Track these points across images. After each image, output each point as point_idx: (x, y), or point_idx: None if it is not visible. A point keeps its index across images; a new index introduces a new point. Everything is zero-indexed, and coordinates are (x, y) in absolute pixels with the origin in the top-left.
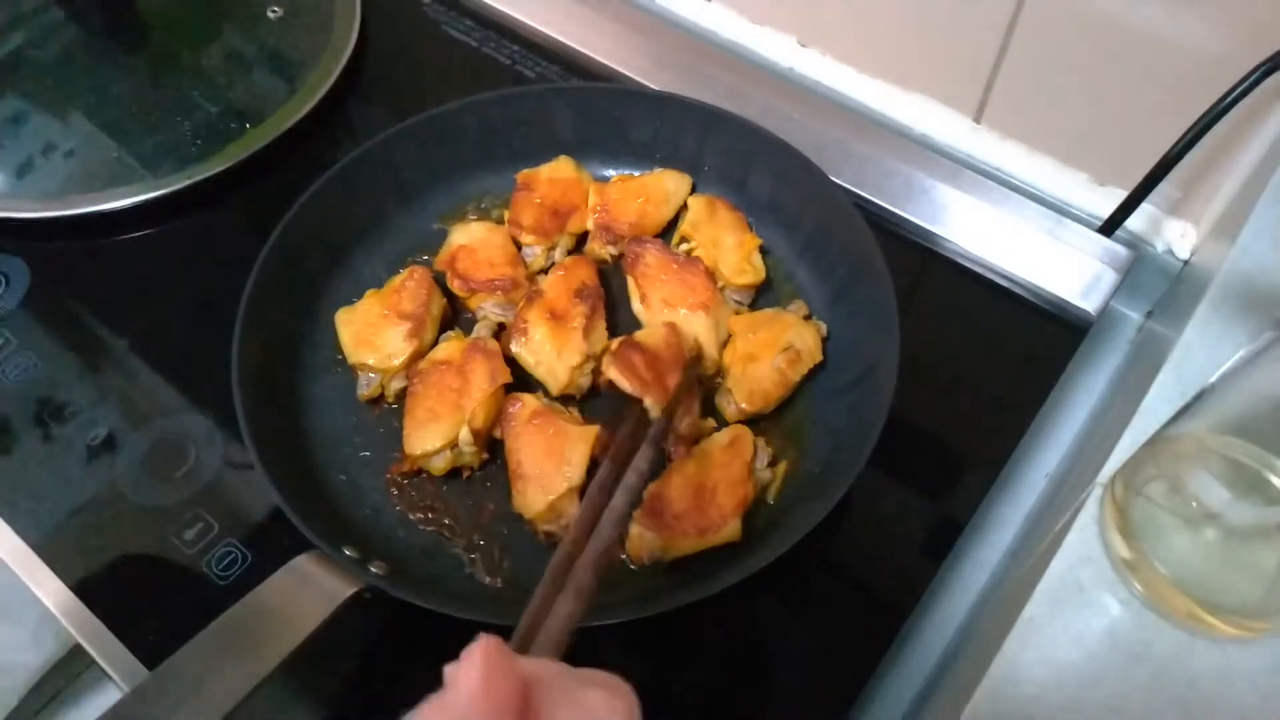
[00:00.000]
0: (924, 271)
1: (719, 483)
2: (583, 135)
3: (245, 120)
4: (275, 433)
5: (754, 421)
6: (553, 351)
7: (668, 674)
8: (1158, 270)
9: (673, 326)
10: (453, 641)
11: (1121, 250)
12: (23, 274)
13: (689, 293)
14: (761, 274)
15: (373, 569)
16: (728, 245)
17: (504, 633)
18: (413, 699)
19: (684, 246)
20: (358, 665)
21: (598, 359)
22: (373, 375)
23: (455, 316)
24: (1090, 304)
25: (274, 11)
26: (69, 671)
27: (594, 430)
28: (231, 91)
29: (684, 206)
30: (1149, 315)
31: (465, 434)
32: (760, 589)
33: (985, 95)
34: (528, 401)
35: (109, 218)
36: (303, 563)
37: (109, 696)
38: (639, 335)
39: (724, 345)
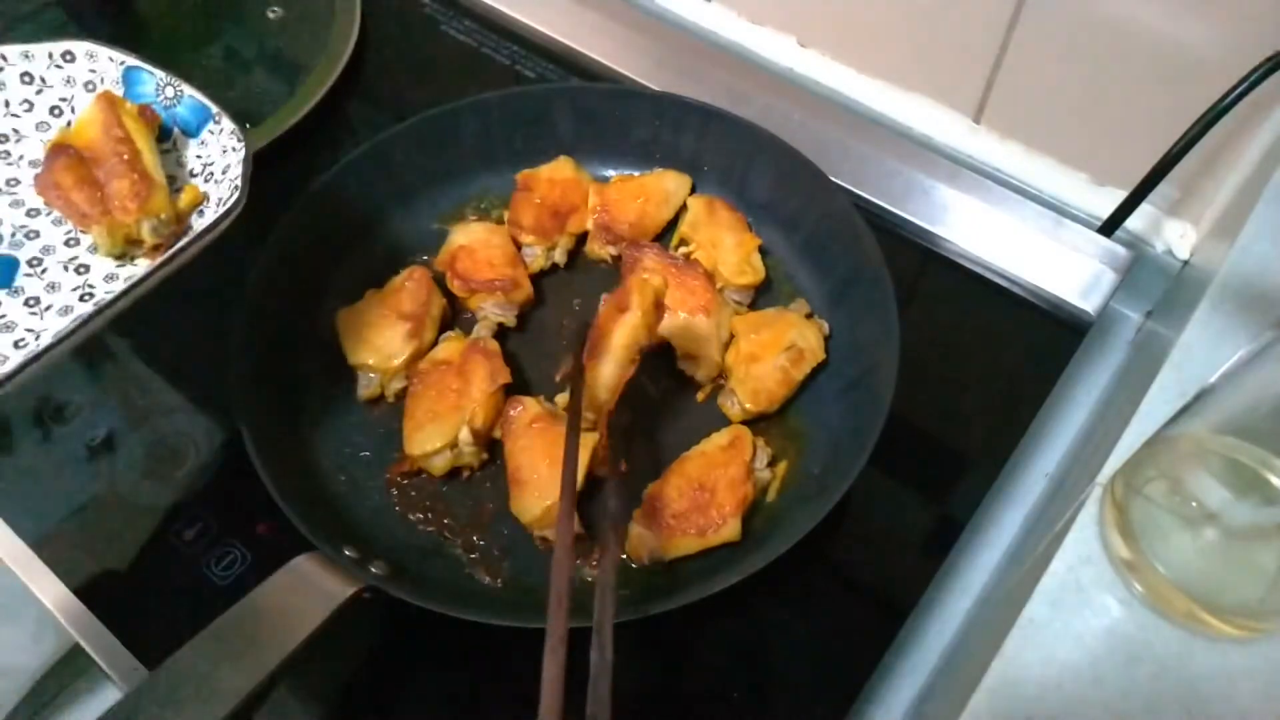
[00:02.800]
0: (924, 271)
1: (718, 483)
2: (583, 135)
3: (245, 121)
4: (275, 433)
5: (754, 421)
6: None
7: (668, 674)
8: (1157, 270)
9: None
10: (452, 641)
11: (1121, 250)
12: None
13: (689, 296)
14: (761, 274)
15: (373, 569)
16: (727, 246)
17: (503, 633)
18: (413, 699)
19: (683, 249)
20: (358, 665)
21: None
22: (373, 375)
23: (455, 316)
24: (1090, 304)
25: (274, 12)
26: (69, 671)
27: (594, 437)
28: (231, 92)
29: (683, 207)
30: (1149, 315)
31: (465, 434)
32: (760, 589)
33: (985, 95)
34: (528, 405)
35: None
36: (303, 563)
37: (109, 696)
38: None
39: (726, 347)
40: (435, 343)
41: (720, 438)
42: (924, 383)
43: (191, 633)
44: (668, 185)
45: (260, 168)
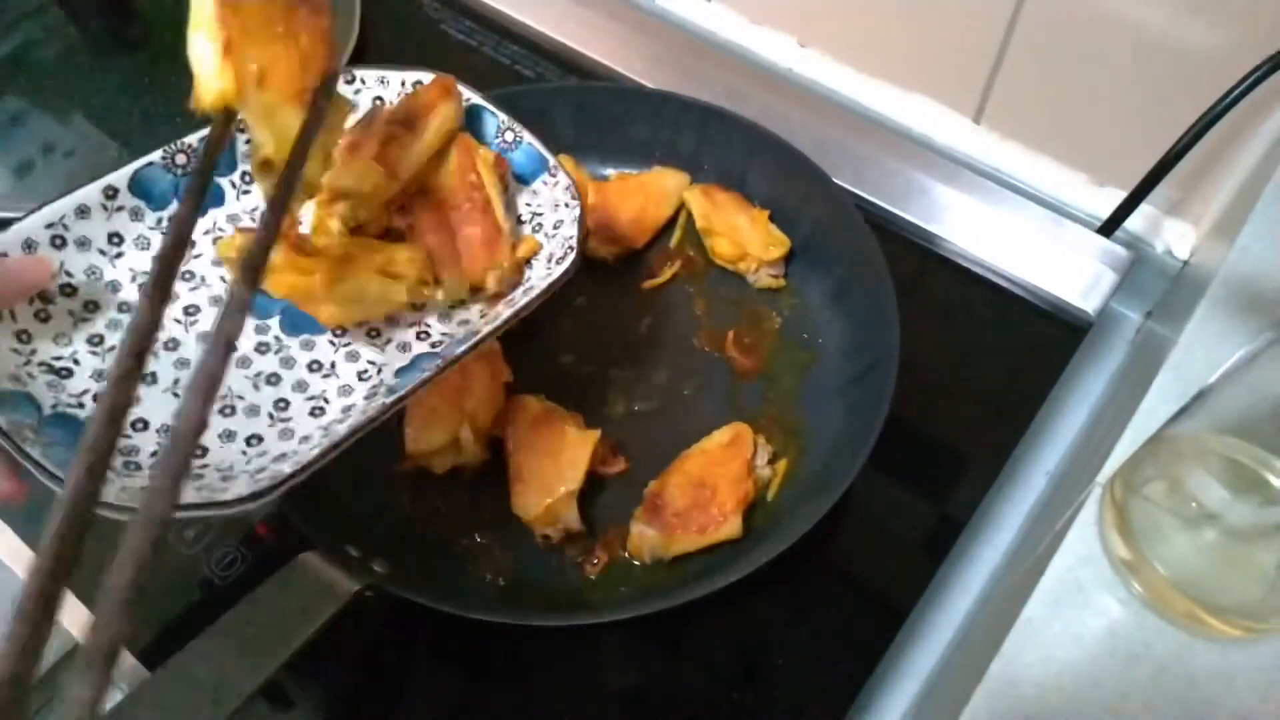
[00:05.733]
0: (924, 271)
1: (719, 480)
2: (582, 134)
3: None
4: None
5: (753, 419)
6: None
7: (668, 672)
8: (1157, 271)
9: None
10: (454, 639)
11: (1121, 251)
12: None
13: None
14: (786, 241)
15: (374, 568)
16: (743, 226)
17: (505, 630)
18: (415, 697)
19: (708, 242)
20: (359, 664)
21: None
22: None
23: None
24: (1090, 304)
25: None
26: (69, 671)
27: (594, 435)
28: None
29: (680, 205)
30: (1148, 316)
31: (466, 433)
32: (760, 588)
33: (985, 95)
34: (529, 404)
35: None
36: (304, 562)
37: (109, 697)
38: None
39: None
40: None
41: (721, 435)
42: (924, 383)
43: (192, 633)
44: (666, 184)
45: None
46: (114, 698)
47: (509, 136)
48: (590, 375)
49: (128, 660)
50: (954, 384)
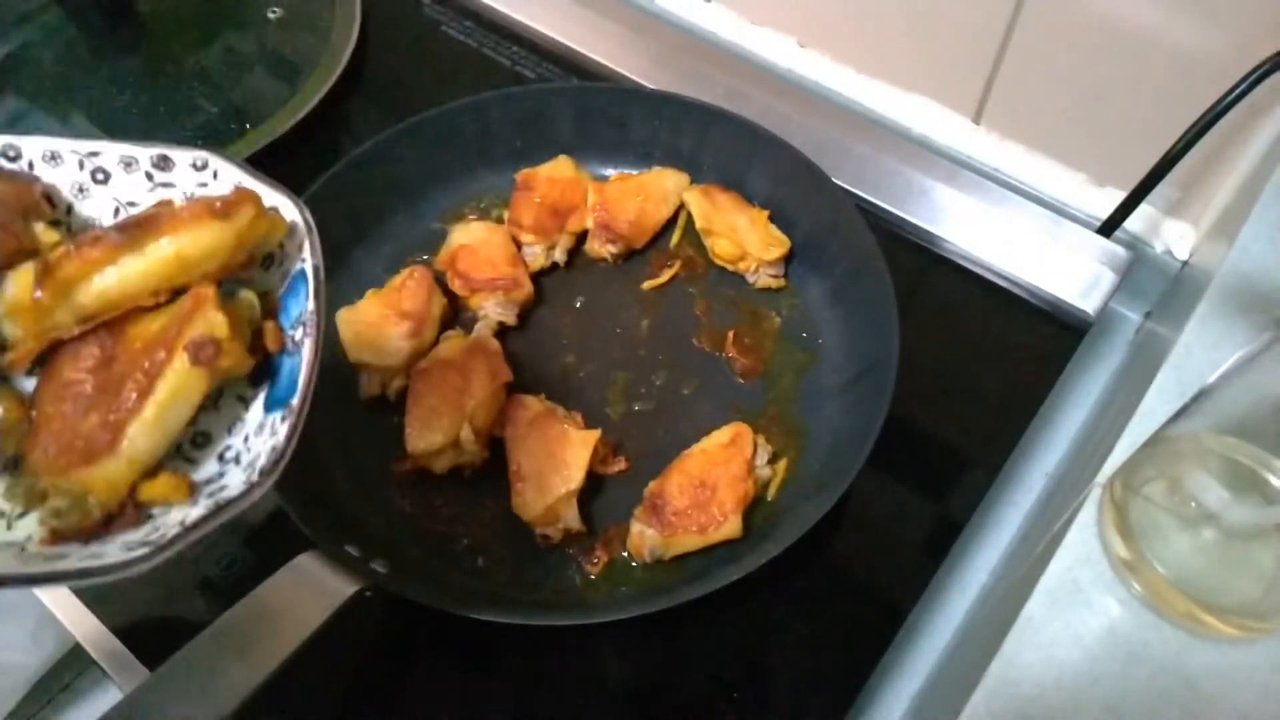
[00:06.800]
0: (923, 271)
1: (719, 480)
2: (582, 135)
3: (245, 121)
4: None
5: (753, 420)
6: None
7: (668, 672)
8: (1157, 271)
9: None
10: (454, 639)
11: (1120, 251)
12: None
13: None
14: (786, 241)
15: (374, 567)
16: (743, 227)
17: (505, 630)
18: (414, 696)
19: (709, 241)
20: (359, 663)
21: None
22: (374, 374)
23: (456, 316)
24: (1089, 304)
25: (274, 12)
26: (69, 671)
27: (595, 435)
28: (232, 92)
29: (680, 205)
30: (1148, 316)
31: (466, 432)
32: (760, 587)
33: (985, 95)
34: (529, 404)
35: None
36: (304, 562)
37: (109, 696)
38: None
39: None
40: (436, 342)
41: (721, 435)
42: (924, 383)
43: (191, 633)
44: (666, 184)
45: (260, 168)
46: (114, 697)
47: (300, 333)
48: (590, 375)
49: (128, 660)
50: (954, 384)
